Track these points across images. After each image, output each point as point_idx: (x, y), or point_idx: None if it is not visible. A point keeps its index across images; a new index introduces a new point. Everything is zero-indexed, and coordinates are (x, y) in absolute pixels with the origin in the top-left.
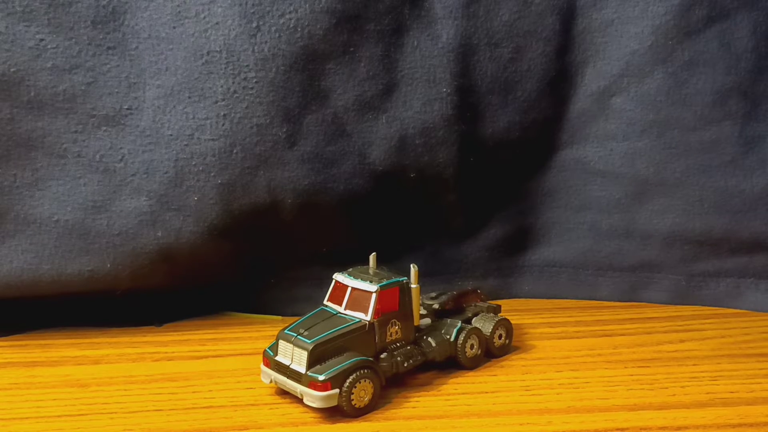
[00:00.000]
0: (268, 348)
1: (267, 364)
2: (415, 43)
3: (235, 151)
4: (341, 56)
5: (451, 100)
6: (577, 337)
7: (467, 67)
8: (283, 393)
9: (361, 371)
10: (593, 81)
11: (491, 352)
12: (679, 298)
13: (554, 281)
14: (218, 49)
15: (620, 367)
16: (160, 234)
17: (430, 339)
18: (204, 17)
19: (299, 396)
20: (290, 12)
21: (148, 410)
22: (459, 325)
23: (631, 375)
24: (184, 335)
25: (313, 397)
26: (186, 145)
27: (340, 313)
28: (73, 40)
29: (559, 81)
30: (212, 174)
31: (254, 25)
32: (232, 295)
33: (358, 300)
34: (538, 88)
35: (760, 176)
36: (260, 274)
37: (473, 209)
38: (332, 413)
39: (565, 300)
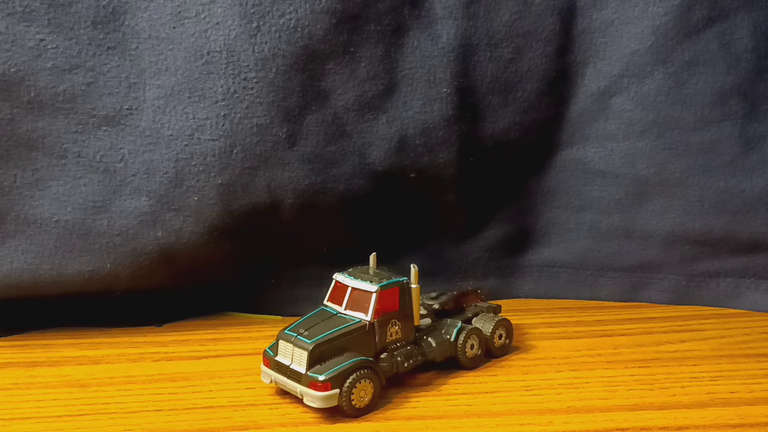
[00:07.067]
0: (268, 348)
1: (267, 364)
2: (415, 43)
3: (235, 151)
4: (341, 56)
5: (451, 100)
6: (577, 337)
7: (467, 67)
8: (283, 393)
9: (361, 371)
10: (593, 81)
11: (491, 352)
12: (679, 298)
13: (554, 281)
14: (218, 49)
15: (620, 368)
16: (160, 234)
17: (430, 339)
18: (204, 17)
19: (299, 396)
20: (290, 12)
21: (148, 410)
22: (459, 325)
23: (632, 375)
24: (184, 335)
25: (313, 397)
26: (186, 145)
27: (340, 313)
28: (73, 40)
29: (559, 81)
30: (212, 174)
31: (254, 25)
32: (232, 295)
33: (358, 300)
34: (538, 88)
35: (760, 176)
36: (260, 274)
37: (473, 209)
38: (332, 413)
39: (565, 300)
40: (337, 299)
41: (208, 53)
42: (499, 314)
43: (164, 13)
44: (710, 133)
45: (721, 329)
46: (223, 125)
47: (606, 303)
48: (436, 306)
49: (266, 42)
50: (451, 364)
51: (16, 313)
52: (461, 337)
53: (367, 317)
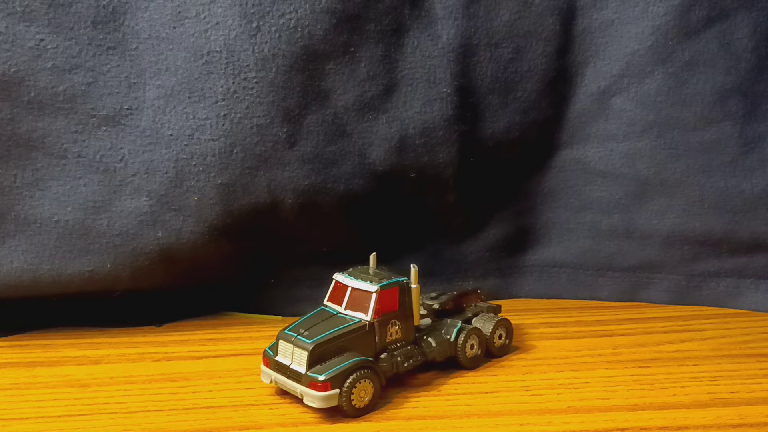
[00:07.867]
0: (268, 348)
1: (267, 364)
2: (416, 43)
3: (235, 151)
4: (341, 56)
5: (451, 100)
6: (577, 337)
7: (467, 67)
8: (283, 393)
9: (361, 371)
10: (593, 81)
11: (491, 352)
12: (679, 298)
13: (554, 281)
14: (218, 49)
15: (620, 368)
16: (160, 234)
17: (430, 339)
18: (204, 17)
19: (299, 396)
20: (290, 12)
21: (148, 410)
22: (459, 325)
23: (632, 375)
24: (184, 335)
25: (313, 397)
26: (186, 145)
27: (340, 313)
28: (73, 40)
29: (559, 81)
30: (212, 174)
31: (254, 25)
32: (232, 295)
33: (358, 300)
34: (538, 88)
35: (760, 176)
36: (260, 274)
37: (473, 209)
38: (332, 413)
39: (565, 300)
40: (337, 299)
41: (208, 53)
42: (499, 314)
43: (164, 13)
44: (710, 133)
45: (721, 329)
46: (223, 125)
47: (606, 303)
48: (436, 306)
49: (266, 42)
50: (451, 364)
51: (16, 313)
52: (461, 337)
53: (367, 317)
